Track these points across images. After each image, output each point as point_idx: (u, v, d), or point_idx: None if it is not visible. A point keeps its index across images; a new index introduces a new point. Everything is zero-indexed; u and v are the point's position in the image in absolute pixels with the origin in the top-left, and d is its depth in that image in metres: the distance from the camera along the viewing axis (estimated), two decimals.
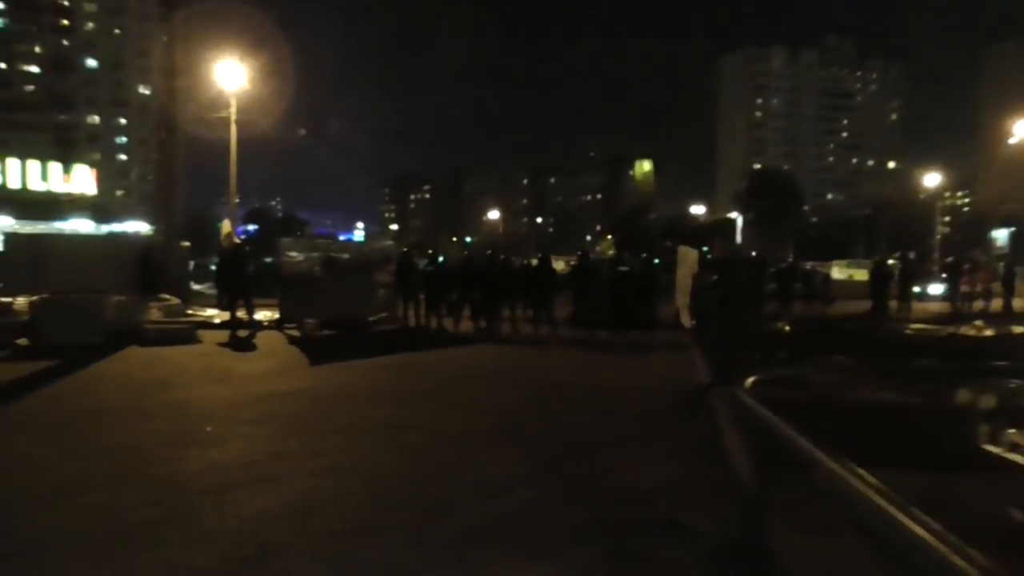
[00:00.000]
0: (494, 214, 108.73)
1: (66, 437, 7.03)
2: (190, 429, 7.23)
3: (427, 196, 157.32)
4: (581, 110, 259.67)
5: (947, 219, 79.08)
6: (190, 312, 16.60)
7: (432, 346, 14.05)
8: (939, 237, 70.09)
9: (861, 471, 3.11)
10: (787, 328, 16.90)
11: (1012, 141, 55.50)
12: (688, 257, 18.78)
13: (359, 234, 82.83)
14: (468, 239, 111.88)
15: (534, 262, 18.68)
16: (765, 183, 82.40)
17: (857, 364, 11.22)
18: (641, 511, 5.00)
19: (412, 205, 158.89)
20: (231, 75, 23.89)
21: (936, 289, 28.52)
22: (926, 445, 5.36)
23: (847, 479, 2.97)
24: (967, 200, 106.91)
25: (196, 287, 24.45)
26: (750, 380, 4.96)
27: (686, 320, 17.42)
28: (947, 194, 75.01)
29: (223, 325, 15.48)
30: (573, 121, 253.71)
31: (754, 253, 42.34)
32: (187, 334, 14.02)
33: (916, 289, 25.03)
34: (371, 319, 16.39)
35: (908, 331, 17.41)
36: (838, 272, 45.95)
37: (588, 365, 12.36)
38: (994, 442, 4.48)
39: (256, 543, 4.34)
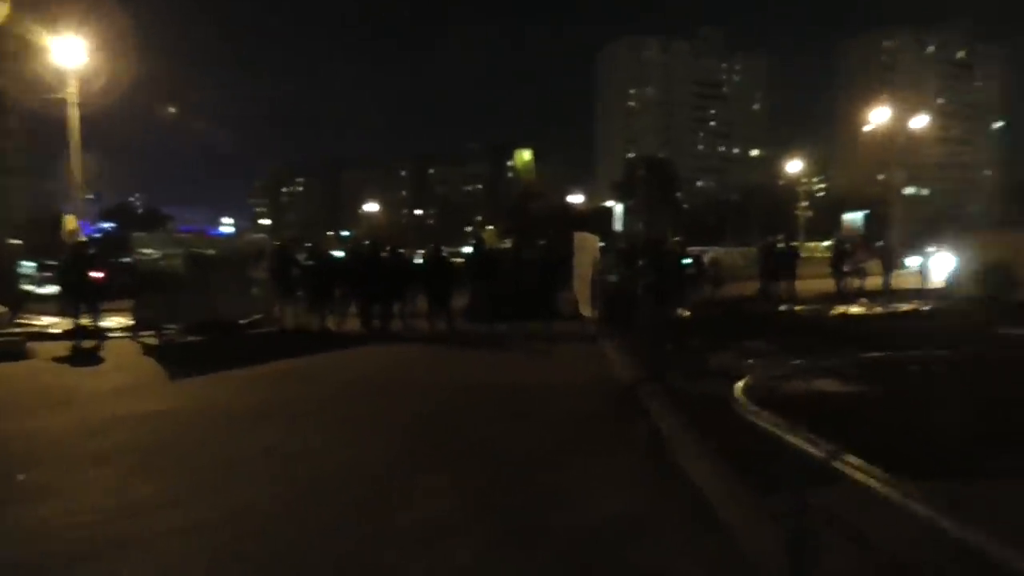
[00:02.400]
0: (373, 206, 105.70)
1: None
2: (9, 475, 5.56)
3: (300, 189, 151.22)
4: (460, 100, 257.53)
5: (806, 204, 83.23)
6: (21, 321, 14.21)
7: (318, 350, 12.51)
8: (802, 220, 73.89)
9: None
10: (687, 314, 16.44)
11: (866, 128, 58.95)
12: (587, 244, 18.05)
13: (228, 229, 77.81)
14: (346, 232, 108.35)
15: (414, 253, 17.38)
16: (643, 171, 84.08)
17: (770, 349, 10.72)
18: (614, 560, 3.92)
19: (285, 199, 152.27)
20: (70, 51, 21.04)
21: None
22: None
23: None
24: (823, 185, 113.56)
25: (38, 291, 21.50)
26: (740, 384, 3.95)
27: (587, 310, 16.66)
28: (804, 180, 78.91)
29: (65, 335, 13.28)
30: (452, 112, 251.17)
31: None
32: (14, 348, 11.79)
33: None
34: (244, 321, 14.59)
35: (803, 312, 17.41)
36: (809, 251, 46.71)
37: (497, 363, 11.24)
38: None
39: None
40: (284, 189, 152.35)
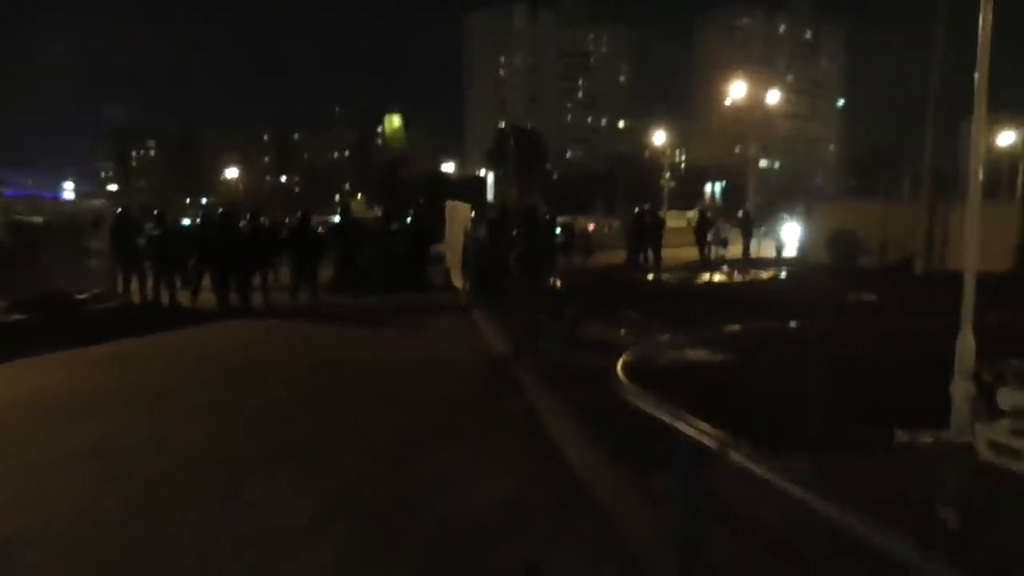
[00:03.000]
0: (233, 172, 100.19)
1: None
2: None
3: (152, 153, 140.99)
4: (324, 63, 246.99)
5: (668, 175, 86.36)
6: None
7: (166, 327, 11.46)
8: (666, 190, 76.71)
9: None
10: (559, 283, 16.45)
11: (725, 102, 61.62)
12: (458, 213, 17.65)
13: (69, 195, 71.30)
14: (204, 199, 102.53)
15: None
16: (512, 140, 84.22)
17: (641, 318, 10.80)
18: (488, 554, 3.60)
19: (135, 163, 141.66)
20: None
21: None
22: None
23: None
24: (684, 157, 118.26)
25: None
26: (619, 361, 3.70)
27: (458, 280, 16.32)
28: (667, 151, 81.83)
29: None
30: (316, 75, 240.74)
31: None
32: None
33: None
34: (81, 296, 13.19)
35: (670, 280, 17.86)
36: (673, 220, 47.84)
37: (365, 338, 10.68)
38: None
39: None
40: (135, 152, 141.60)
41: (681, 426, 2.55)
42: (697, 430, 2.53)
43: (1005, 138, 76.69)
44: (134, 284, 13.92)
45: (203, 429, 5.98)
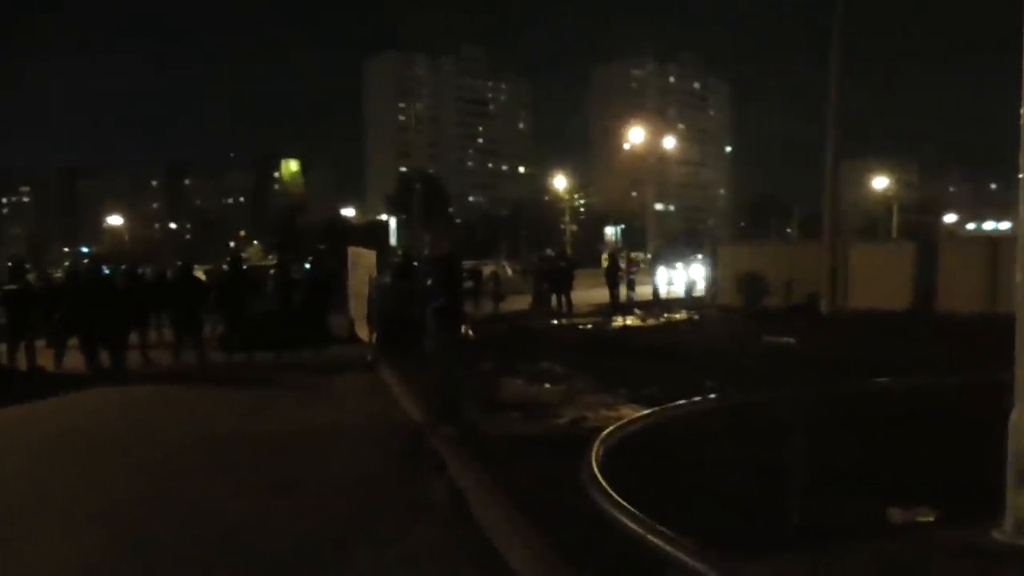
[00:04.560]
0: (117, 219, 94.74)
1: None
2: None
3: (26, 200, 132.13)
4: (221, 107, 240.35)
5: (568, 219, 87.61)
6: None
7: (19, 398, 9.79)
8: (568, 235, 77.59)
9: None
10: (471, 332, 15.53)
11: (624, 148, 63.08)
12: (362, 260, 16.55)
13: None
14: (85, 248, 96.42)
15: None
16: (414, 185, 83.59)
17: (564, 371, 10.07)
18: None
19: (6, 211, 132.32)
20: None
21: None
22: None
23: None
24: (583, 202, 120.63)
25: None
26: (598, 446, 2.86)
27: (363, 332, 15.17)
28: (567, 196, 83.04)
29: None
30: (212, 119, 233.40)
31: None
32: None
33: None
34: None
35: (584, 326, 17.27)
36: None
37: (255, 405, 9.36)
38: None
39: None
40: (5, 200, 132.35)
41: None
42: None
43: (879, 182, 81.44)
44: None
45: (38, 537, 4.70)
